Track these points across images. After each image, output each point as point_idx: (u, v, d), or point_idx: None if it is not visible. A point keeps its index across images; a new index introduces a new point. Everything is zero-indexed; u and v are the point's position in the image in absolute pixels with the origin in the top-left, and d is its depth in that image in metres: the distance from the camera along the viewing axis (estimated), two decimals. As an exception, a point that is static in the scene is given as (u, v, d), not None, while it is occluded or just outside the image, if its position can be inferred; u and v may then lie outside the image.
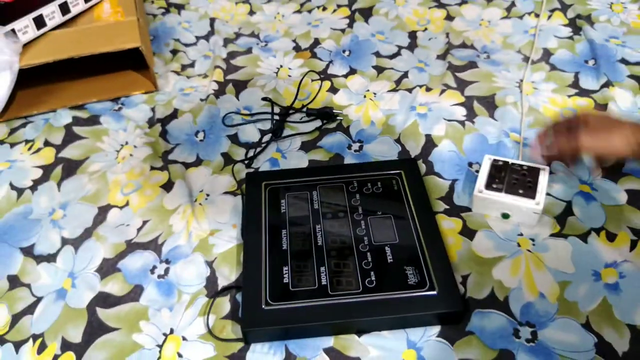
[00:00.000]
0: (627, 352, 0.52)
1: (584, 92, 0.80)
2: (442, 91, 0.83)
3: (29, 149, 0.80)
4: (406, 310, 0.54)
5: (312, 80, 0.88)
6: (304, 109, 0.82)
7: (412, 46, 0.94)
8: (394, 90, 0.85)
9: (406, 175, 0.68)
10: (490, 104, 0.80)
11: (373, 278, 0.57)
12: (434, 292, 0.55)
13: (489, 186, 0.64)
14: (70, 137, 0.81)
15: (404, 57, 0.92)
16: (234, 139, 0.79)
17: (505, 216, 0.63)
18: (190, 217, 0.68)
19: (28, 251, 0.66)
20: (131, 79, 0.89)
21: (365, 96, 0.84)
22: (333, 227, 0.62)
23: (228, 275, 0.61)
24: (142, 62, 0.84)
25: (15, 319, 0.60)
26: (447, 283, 0.55)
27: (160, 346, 0.56)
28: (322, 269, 0.58)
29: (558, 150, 0.62)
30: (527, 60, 0.87)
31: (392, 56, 0.92)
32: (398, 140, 0.76)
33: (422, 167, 0.72)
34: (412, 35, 0.97)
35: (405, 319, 0.55)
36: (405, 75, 0.88)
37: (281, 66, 0.92)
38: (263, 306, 0.55)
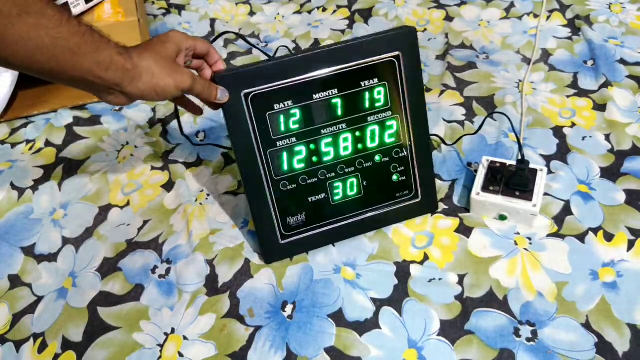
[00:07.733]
0: (628, 352, 0.52)
1: (582, 93, 0.80)
2: (442, 91, 0.83)
3: (30, 149, 0.80)
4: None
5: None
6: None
7: (411, 47, 0.94)
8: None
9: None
10: (489, 104, 0.80)
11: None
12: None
13: (485, 189, 0.64)
14: (71, 137, 0.81)
15: (404, 57, 0.92)
16: (234, 139, 0.79)
17: (503, 218, 0.64)
18: (191, 216, 0.68)
19: (29, 251, 0.66)
20: (132, 80, 0.89)
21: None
22: (329, 140, 0.60)
23: (229, 274, 0.62)
24: (143, 62, 0.84)
25: (16, 318, 0.60)
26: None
27: (161, 346, 0.56)
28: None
29: None
30: (526, 61, 0.87)
31: (392, 57, 0.92)
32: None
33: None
34: (412, 35, 0.97)
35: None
36: (405, 75, 0.88)
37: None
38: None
